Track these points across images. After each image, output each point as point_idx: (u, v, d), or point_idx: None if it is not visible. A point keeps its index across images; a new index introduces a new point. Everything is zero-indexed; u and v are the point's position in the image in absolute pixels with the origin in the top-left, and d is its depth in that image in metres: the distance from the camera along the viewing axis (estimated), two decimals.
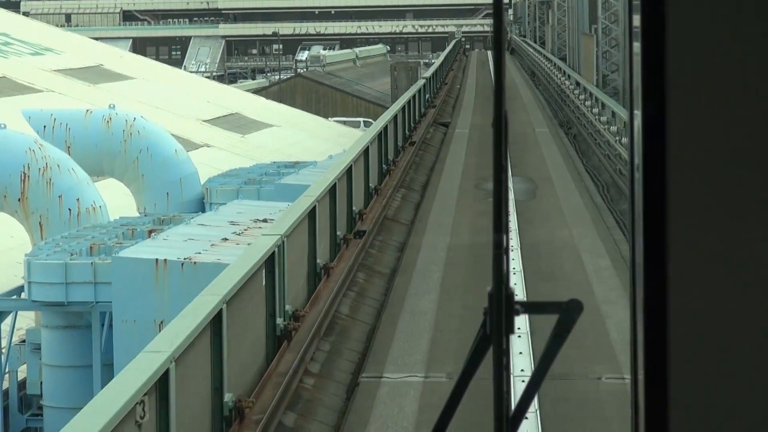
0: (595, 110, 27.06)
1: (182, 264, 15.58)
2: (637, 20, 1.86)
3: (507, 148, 2.10)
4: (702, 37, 1.82)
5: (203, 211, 30.66)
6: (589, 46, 32.52)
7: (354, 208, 15.78)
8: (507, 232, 2.11)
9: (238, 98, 61.38)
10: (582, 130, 29.62)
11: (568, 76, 34.38)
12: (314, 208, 12.65)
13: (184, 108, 55.36)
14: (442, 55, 45.62)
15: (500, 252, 2.07)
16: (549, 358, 2.20)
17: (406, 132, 25.03)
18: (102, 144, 29.48)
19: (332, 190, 14.24)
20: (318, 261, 12.60)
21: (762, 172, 1.82)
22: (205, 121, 54.43)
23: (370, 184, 18.22)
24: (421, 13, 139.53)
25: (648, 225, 1.85)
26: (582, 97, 29.45)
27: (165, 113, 53.37)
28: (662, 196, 1.83)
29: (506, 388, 2.09)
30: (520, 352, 10.32)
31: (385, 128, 20.79)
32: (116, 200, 28.86)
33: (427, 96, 32.92)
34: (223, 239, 17.73)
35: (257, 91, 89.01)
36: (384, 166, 20.06)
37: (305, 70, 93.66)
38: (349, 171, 15.63)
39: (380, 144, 19.85)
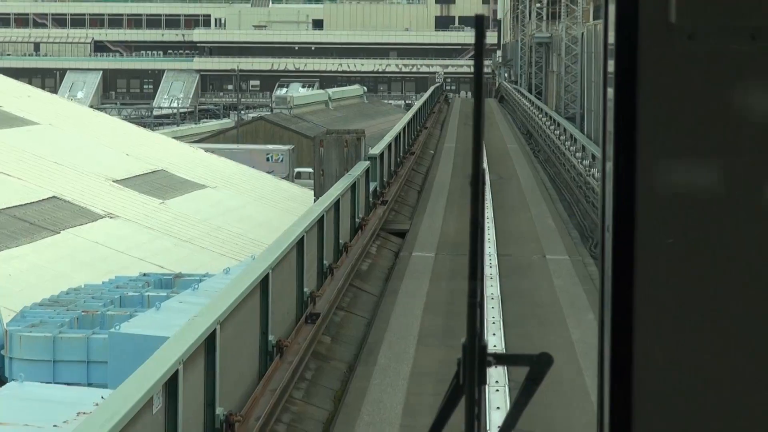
0: None
1: None
2: (611, 65, 1.87)
3: (484, 204, 2.06)
4: (673, 83, 1.85)
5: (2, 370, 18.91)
6: None
7: None
8: (482, 280, 2.08)
9: (168, 150, 48.44)
10: None
11: (592, 157, 21.47)
12: None
13: (93, 164, 42.51)
14: (411, 112, 32.48)
15: (474, 302, 2.06)
16: (519, 408, 2.18)
17: (305, 292, 12.15)
18: None
19: None
20: None
21: (730, 223, 1.85)
22: (116, 181, 41.52)
23: None
24: (405, 51, 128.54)
25: (616, 283, 1.85)
26: None
27: (64, 171, 40.57)
28: (630, 254, 1.82)
29: None
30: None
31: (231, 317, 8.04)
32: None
33: (374, 186, 20.13)
34: None
35: (218, 134, 76.97)
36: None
37: (271, 111, 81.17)
38: None
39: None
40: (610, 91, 1.86)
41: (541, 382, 2.13)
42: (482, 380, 2.06)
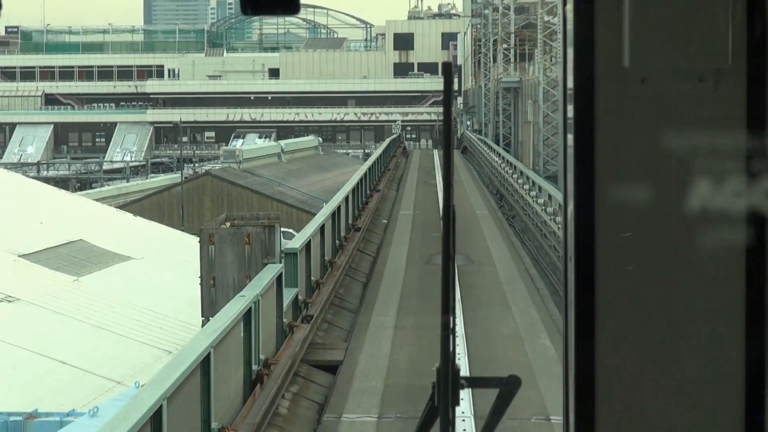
0: None
1: None
2: (570, 110, 1.91)
3: (455, 236, 2.11)
4: (627, 125, 1.87)
5: None
6: None
7: None
8: (454, 313, 2.12)
9: (90, 216, 41.84)
10: None
11: None
12: None
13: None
14: (357, 175, 25.90)
15: (447, 332, 2.11)
16: (490, 427, 2.22)
17: None
18: None
19: None
20: None
21: (680, 257, 1.87)
22: (23, 255, 34.90)
23: None
24: (363, 99, 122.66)
25: (579, 311, 1.89)
26: None
27: None
28: (591, 284, 1.87)
29: None
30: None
31: None
32: None
33: (294, 295, 13.71)
34: None
35: (164, 190, 70.46)
36: None
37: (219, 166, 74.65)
38: None
39: None
40: (570, 138, 1.88)
41: (510, 402, 2.18)
42: (455, 402, 2.12)
